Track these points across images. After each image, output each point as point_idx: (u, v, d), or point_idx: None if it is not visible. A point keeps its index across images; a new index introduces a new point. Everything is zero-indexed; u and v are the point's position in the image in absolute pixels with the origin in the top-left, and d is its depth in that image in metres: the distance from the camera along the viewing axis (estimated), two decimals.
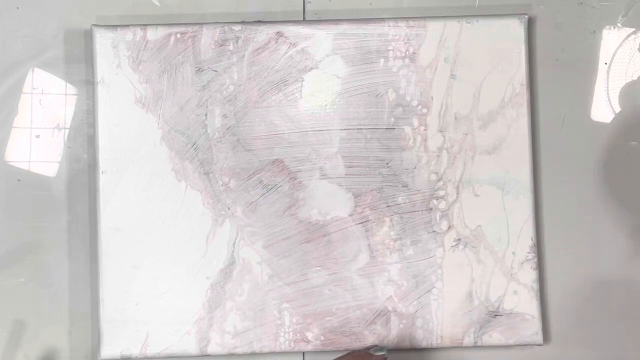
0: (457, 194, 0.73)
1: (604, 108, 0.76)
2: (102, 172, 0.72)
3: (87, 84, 0.75)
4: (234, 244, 0.72)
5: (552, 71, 0.76)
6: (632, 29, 0.77)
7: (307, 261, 0.72)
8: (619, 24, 0.77)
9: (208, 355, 0.72)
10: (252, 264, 0.72)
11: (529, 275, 0.72)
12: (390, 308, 0.72)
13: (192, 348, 0.71)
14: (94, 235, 0.73)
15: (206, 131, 0.72)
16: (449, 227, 0.73)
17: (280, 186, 0.72)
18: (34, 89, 0.75)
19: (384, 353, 0.67)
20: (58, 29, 0.75)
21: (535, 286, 0.72)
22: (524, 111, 0.73)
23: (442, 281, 0.72)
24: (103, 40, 0.72)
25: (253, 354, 0.72)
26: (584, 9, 0.76)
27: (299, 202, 0.72)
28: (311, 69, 0.73)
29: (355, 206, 0.72)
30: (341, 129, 0.73)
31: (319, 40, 0.72)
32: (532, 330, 0.72)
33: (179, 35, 0.72)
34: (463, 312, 0.72)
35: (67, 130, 0.75)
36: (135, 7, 0.75)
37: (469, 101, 0.73)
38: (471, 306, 0.72)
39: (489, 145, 0.73)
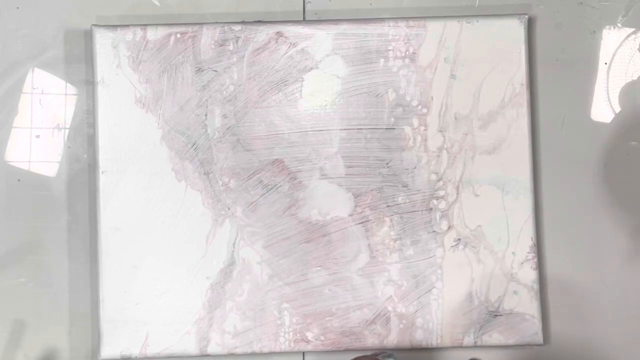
0: (457, 194, 0.73)
1: (604, 108, 0.76)
2: (102, 172, 0.72)
3: (87, 84, 0.75)
4: (234, 244, 0.72)
5: (552, 71, 0.76)
6: (632, 29, 0.77)
7: (307, 261, 0.72)
8: (619, 24, 0.77)
9: (208, 355, 0.72)
10: (252, 264, 0.72)
11: (529, 275, 0.72)
12: (390, 308, 0.72)
13: (192, 348, 0.71)
14: (94, 235, 0.73)
15: (206, 131, 0.72)
16: (449, 227, 0.73)
17: (280, 186, 0.72)
18: (34, 89, 0.75)
19: (391, 359, 0.67)
20: (58, 29, 0.75)
21: (535, 286, 0.72)
22: (524, 111, 0.73)
23: (442, 281, 0.72)
24: (103, 40, 0.72)
25: (253, 354, 0.72)
26: (584, 9, 0.76)
27: (299, 202, 0.72)
28: (311, 69, 0.73)
29: (355, 206, 0.72)
30: (341, 129, 0.73)
31: (319, 40, 0.73)
32: (532, 330, 0.72)
33: (179, 35, 0.72)
34: (463, 312, 0.72)
35: (67, 130, 0.75)
36: (135, 7, 0.75)
37: (469, 101, 0.73)
38: (471, 306, 0.72)
39: (489, 145, 0.73)
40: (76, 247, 0.74)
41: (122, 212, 0.72)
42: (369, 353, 0.70)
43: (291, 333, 0.72)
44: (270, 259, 0.72)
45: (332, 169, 0.73)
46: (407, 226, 0.73)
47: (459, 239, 0.73)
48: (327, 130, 0.73)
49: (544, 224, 0.75)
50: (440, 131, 0.73)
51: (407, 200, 0.73)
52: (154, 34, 0.72)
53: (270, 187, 0.72)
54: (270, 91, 0.73)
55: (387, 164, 0.73)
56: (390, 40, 0.73)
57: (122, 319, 0.71)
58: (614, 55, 0.76)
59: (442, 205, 0.73)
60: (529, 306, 0.72)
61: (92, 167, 0.74)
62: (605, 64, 0.76)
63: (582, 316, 0.75)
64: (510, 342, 0.72)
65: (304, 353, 0.74)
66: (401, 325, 0.72)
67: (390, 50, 0.73)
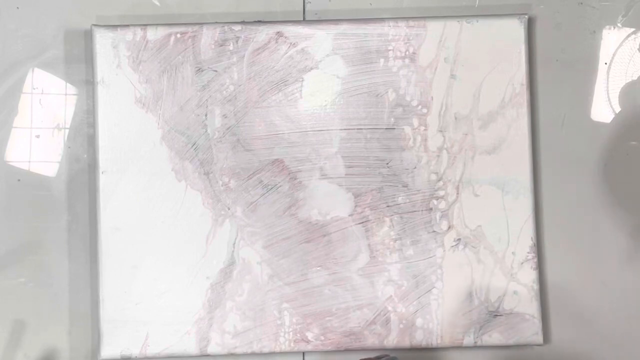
0: (457, 194, 0.73)
1: (604, 108, 0.76)
2: (102, 172, 0.72)
3: (87, 84, 0.75)
4: (234, 244, 0.72)
5: (552, 71, 0.76)
6: (632, 29, 0.77)
7: (307, 261, 0.72)
8: (619, 24, 0.77)
9: (208, 355, 0.72)
10: (252, 264, 0.72)
11: (529, 275, 0.72)
12: (390, 308, 0.72)
13: (192, 348, 0.71)
14: (94, 235, 0.73)
15: (206, 131, 0.72)
16: (449, 227, 0.73)
17: (280, 186, 0.72)
18: (34, 89, 0.75)
19: None
20: (58, 29, 0.75)
21: (535, 286, 0.72)
22: (524, 111, 0.73)
23: (442, 281, 0.72)
24: (103, 40, 0.72)
25: (253, 354, 0.72)
26: (584, 9, 0.76)
27: (299, 202, 0.72)
28: (311, 69, 0.73)
29: (355, 206, 0.72)
30: (341, 129, 0.73)
31: (319, 40, 0.72)
32: (532, 330, 0.72)
33: (179, 35, 0.72)
34: (463, 312, 0.72)
35: (67, 130, 0.75)
36: (135, 7, 0.75)
37: (469, 101, 0.73)
38: (471, 306, 0.72)
39: (489, 145, 0.73)
40: (76, 247, 0.74)
41: (122, 212, 0.72)
42: (372, 356, 0.69)
43: (291, 333, 0.72)
44: (270, 259, 0.72)
45: (332, 169, 0.73)
46: (407, 226, 0.73)
47: (459, 239, 0.73)
48: (327, 130, 0.73)
49: (544, 224, 0.75)
50: (440, 131, 0.73)
51: (407, 200, 0.73)
52: (154, 34, 0.72)
53: (270, 187, 0.72)
54: (270, 91, 0.73)
55: (387, 164, 0.73)
56: (390, 40, 0.73)
57: (122, 319, 0.71)
58: (614, 55, 0.76)
59: (442, 205, 0.73)
60: (529, 306, 0.72)
61: (92, 167, 0.74)
62: (605, 64, 0.76)
63: (582, 316, 0.75)
64: (510, 342, 0.72)
65: (304, 353, 0.74)
66: (401, 325, 0.72)
67: (390, 50, 0.73)
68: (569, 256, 0.75)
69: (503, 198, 0.73)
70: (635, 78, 0.76)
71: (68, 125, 0.75)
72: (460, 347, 0.73)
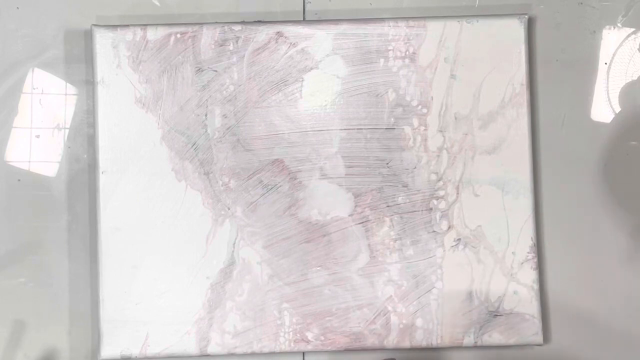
0: (457, 194, 0.73)
1: (604, 108, 0.76)
2: (102, 172, 0.72)
3: (87, 84, 0.75)
4: (234, 244, 0.72)
5: (552, 71, 0.76)
6: (632, 29, 0.77)
7: (307, 261, 0.72)
8: (619, 24, 0.77)
9: (208, 355, 0.72)
10: (252, 264, 0.72)
11: (529, 275, 0.72)
12: (390, 308, 0.72)
13: (192, 348, 0.71)
14: (94, 235, 0.73)
15: (206, 131, 0.72)
16: (449, 227, 0.73)
17: (280, 186, 0.72)
18: (34, 89, 0.75)
19: None
20: (58, 29, 0.75)
21: (535, 286, 0.72)
22: (524, 111, 0.73)
23: (442, 281, 0.72)
24: (103, 40, 0.72)
25: (253, 354, 0.72)
26: (584, 9, 0.76)
27: (299, 202, 0.72)
28: (311, 69, 0.73)
29: (355, 206, 0.72)
30: (341, 129, 0.73)
31: (319, 40, 0.73)
32: (532, 330, 0.72)
33: (179, 35, 0.72)
34: (463, 312, 0.72)
35: (67, 130, 0.75)
36: (135, 7, 0.75)
37: (469, 101, 0.73)
38: (471, 306, 0.72)
39: (489, 145, 0.73)
40: (76, 247, 0.74)
41: (122, 212, 0.72)
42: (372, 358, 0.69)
43: (291, 333, 0.72)
44: (270, 259, 0.72)
45: (332, 169, 0.73)
46: (407, 226, 0.73)
47: (459, 239, 0.73)
48: (327, 130, 0.73)
49: (544, 224, 0.75)
50: (440, 131, 0.73)
51: (407, 200, 0.73)
52: (154, 34, 0.72)
53: (270, 187, 0.72)
54: (270, 91, 0.73)
55: (387, 164, 0.73)
56: (390, 40, 0.73)
57: (122, 319, 0.71)
58: (614, 55, 0.76)
59: (442, 205, 0.73)
60: (529, 306, 0.72)
61: (92, 167, 0.74)
62: (605, 64, 0.76)
63: (582, 316, 0.75)
64: (510, 342, 0.72)
65: (304, 353, 0.74)
66: (401, 325, 0.72)
67: (390, 50, 0.73)
68: (569, 256, 0.75)
69: (503, 198, 0.73)
70: (635, 78, 0.76)
71: (68, 125, 0.75)
72: (460, 347, 0.73)
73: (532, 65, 0.75)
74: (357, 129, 0.73)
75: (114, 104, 0.72)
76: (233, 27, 0.73)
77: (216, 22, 0.73)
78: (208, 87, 0.72)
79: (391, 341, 0.72)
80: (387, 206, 0.73)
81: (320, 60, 0.73)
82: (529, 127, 0.73)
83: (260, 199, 0.72)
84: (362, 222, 0.72)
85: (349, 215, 0.72)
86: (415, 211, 0.73)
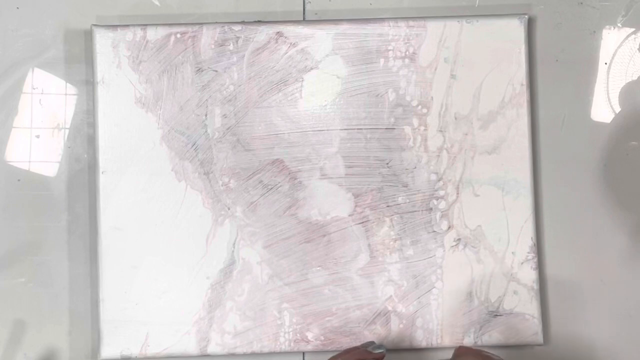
0: (457, 194, 0.73)
1: (604, 108, 0.76)
2: (102, 172, 0.72)
3: (87, 84, 0.75)
4: (234, 244, 0.72)
5: (552, 71, 0.76)
6: (632, 29, 0.77)
7: (307, 261, 0.72)
8: (619, 24, 0.77)
9: (208, 355, 0.72)
10: (252, 264, 0.72)
11: (529, 275, 0.72)
12: (390, 308, 0.72)
13: (192, 348, 0.71)
14: (94, 235, 0.73)
15: (206, 131, 0.72)
16: (449, 227, 0.73)
17: (280, 186, 0.72)
18: (34, 89, 0.75)
19: (382, 350, 0.66)
20: (58, 29, 0.75)
21: (535, 286, 0.72)
22: (524, 111, 0.73)
23: (442, 281, 0.72)
24: (103, 40, 0.72)
25: (253, 354, 0.72)
26: (584, 9, 0.76)
27: (299, 202, 0.72)
28: (311, 69, 0.73)
29: (355, 206, 0.72)
30: (341, 129, 0.73)
31: (319, 40, 0.73)
32: (532, 330, 0.72)
33: (179, 35, 0.72)
34: (463, 312, 0.72)
35: (67, 130, 0.75)
36: (135, 7, 0.75)
37: (469, 101, 0.73)
38: (471, 306, 0.72)
39: (489, 145, 0.73)
40: (76, 247, 0.74)
41: (122, 212, 0.72)
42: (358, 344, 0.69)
43: (291, 333, 0.72)
44: (270, 259, 0.72)
45: (332, 169, 0.73)
46: (407, 226, 0.73)
47: (459, 239, 0.73)
48: (327, 130, 0.73)
49: (544, 224, 0.75)
50: (440, 131, 0.73)
51: (407, 200, 0.73)
52: (154, 34, 0.72)
53: (270, 187, 0.72)
54: (270, 91, 0.73)
55: (387, 164, 0.73)
56: (390, 40, 0.73)
57: (122, 319, 0.71)
58: (614, 55, 0.76)
59: (442, 205, 0.73)
60: (529, 306, 0.72)
61: (92, 167, 0.74)
62: (605, 64, 0.76)
63: (582, 316, 0.75)
64: (510, 342, 0.72)
65: (304, 353, 0.74)
66: (401, 325, 0.72)
67: (390, 50, 0.73)
68: (569, 256, 0.75)
69: (503, 198, 0.73)
70: (635, 78, 0.76)
71: (68, 125, 0.75)
72: None
73: (532, 65, 0.75)
74: (357, 129, 0.73)
75: (114, 104, 0.72)
76: (233, 27, 0.73)
77: (216, 22, 0.73)
78: (208, 87, 0.72)
79: (391, 341, 0.72)
80: (387, 206, 0.73)
81: (320, 60, 0.73)
82: (529, 127, 0.73)
83: (260, 199, 0.72)
84: (362, 222, 0.72)
85: (349, 215, 0.72)
86: (415, 211, 0.73)
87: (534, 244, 0.72)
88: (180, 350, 0.71)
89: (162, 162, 0.72)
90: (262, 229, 0.72)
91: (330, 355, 0.71)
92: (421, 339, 0.72)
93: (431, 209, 0.73)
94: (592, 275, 0.75)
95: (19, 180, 0.74)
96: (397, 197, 0.73)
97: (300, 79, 0.73)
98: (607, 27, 0.77)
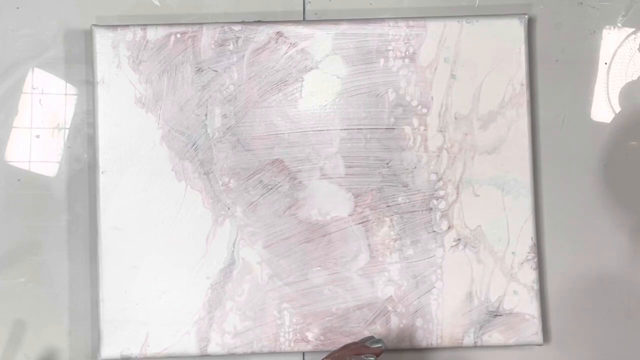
0: (457, 194, 0.73)
1: (604, 108, 0.76)
2: (102, 172, 0.72)
3: (87, 84, 0.75)
4: (234, 244, 0.72)
5: (552, 71, 0.76)
6: (632, 29, 0.77)
7: (307, 261, 0.72)
8: (619, 24, 0.77)
9: (208, 355, 0.72)
10: (252, 264, 0.72)
11: (529, 275, 0.72)
12: (390, 308, 0.72)
13: (192, 348, 0.71)
14: (94, 235, 0.73)
15: (206, 131, 0.72)
16: (449, 227, 0.73)
17: (280, 186, 0.72)
18: (34, 89, 0.75)
19: (380, 345, 0.66)
20: (58, 29, 0.75)
21: (535, 286, 0.72)
22: (524, 111, 0.73)
23: (442, 281, 0.72)
24: (103, 40, 0.72)
25: (253, 354, 0.72)
26: (584, 9, 0.76)
27: (299, 202, 0.72)
28: (311, 69, 0.73)
29: (355, 206, 0.72)
30: (341, 129, 0.73)
31: (319, 40, 0.72)
32: (532, 330, 0.72)
33: (179, 35, 0.72)
34: (463, 312, 0.72)
35: (67, 130, 0.75)
36: (135, 7, 0.75)
37: (469, 101, 0.73)
38: (471, 306, 0.72)
39: (489, 145, 0.73)
40: (76, 247, 0.74)
41: (122, 212, 0.72)
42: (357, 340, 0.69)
43: (291, 333, 0.72)
44: (270, 259, 0.72)
45: (332, 169, 0.73)
46: (407, 226, 0.73)
47: (459, 239, 0.73)
48: (327, 130, 0.73)
49: (544, 224, 0.75)
50: (440, 131, 0.73)
51: (407, 200, 0.73)
52: (154, 34, 0.72)
53: (270, 187, 0.72)
54: (270, 91, 0.73)
55: (387, 164, 0.73)
56: (390, 40, 0.73)
57: (122, 319, 0.71)
58: (614, 55, 0.76)
59: (442, 205, 0.73)
60: (529, 306, 0.72)
61: (92, 167, 0.74)
62: (605, 64, 0.76)
63: (582, 316, 0.75)
64: (510, 342, 0.72)
65: (304, 353, 0.74)
66: (401, 325, 0.72)
67: (390, 50, 0.73)
68: (569, 256, 0.75)
69: (503, 198, 0.73)
70: (635, 78, 0.76)
71: (68, 125, 0.75)
72: (460, 347, 0.73)
73: (532, 65, 0.75)
74: (357, 129, 0.73)
75: (114, 104, 0.72)
76: (233, 27, 0.73)
77: (216, 22, 0.73)
78: (208, 87, 0.72)
79: (391, 341, 0.72)
80: (387, 206, 0.73)
81: (320, 60, 0.73)
82: (529, 127, 0.73)
83: (260, 199, 0.72)
84: (362, 222, 0.72)
85: (349, 215, 0.72)
86: (415, 211, 0.73)
87: (534, 244, 0.72)
88: (180, 350, 0.71)
89: (162, 162, 0.72)
90: (262, 229, 0.72)
91: None
92: (421, 339, 0.72)
93: (431, 209, 0.73)
94: (592, 275, 0.75)
95: (19, 180, 0.74)
96: (397, 197, 0.73)
97: (300, 79, 0.73)
98: (607, 27, 0.76)
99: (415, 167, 0.73)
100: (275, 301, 0.72)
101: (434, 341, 0.72)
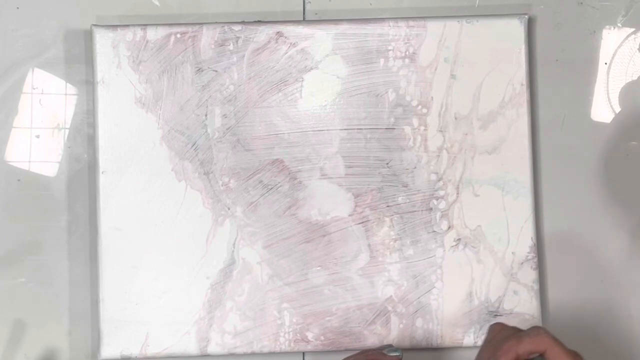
0: (457, 194, 0.73)
1: (604, 108, 0.76)
2: (102, 172, 0.72)
3: (87, 84, 0.75)
4: (234, 244, 0.72)
5: (552, 71, 0.76)
6: (632, 29, 0.77)
7: (307, 261, 0.72)
8: (619, 24, 0.77)
9: (208, 355, 0.72)
10: (252, 264, 0.72)
11: (529, 275, 0.72)
12: (390, 308, 0.72)
13: (192, 348, 0.71)
14: (94, 235, 0.73)
15: (206, 131, 0.72)
16: (449, 227, 0.73)
17: (280, 186, 0.72)
18: (34, 89, 0.75)
19: (398, 354, 0.65)
20: (58, 29, 0.75)
21: (535, 286, 0.72)
22: (524, 111, 0.73)
23: (442, 281, 0.72)
24: (103, 40, 0.72)
25: (253, 354, 0.72)
26: (584, 9, 0.76)
27: (299, 202, 0.72)
28: (311, 69, 0.73)
29: (355, 206, 0.72)
30: (341, 129, 0.73)
31: (319, 40, 0.73)
32: None
33: (179, 35, 0.72)
34: (463, 312, 0.72)
35: (67, 130, 0.75)
36: (135, 7, 0.75)
37: (469, 101, 0.73)
38: (471, 306, 0.72)
39: (489, 145, 0.73)
40: (76, 247, 0.74)
41: (122, 212, 0.72)
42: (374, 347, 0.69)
43: (291, 333, 0.72)
44: (270, 259, 0.72)
45: (332, 169, 0.73)
46: (407, 226, 0.73)
47: (459, 239, 0.73)
48: (327, 130, 0.73)
49: (544, 224, 0.75)
50: (440, 131, 0.73)
51: (407, 200, 0.73)
52: (154, 34, 0.72)
53: (270, 187, 0.72)
54: (270, 91, 0.73)
55: (387, 164, 0.73)
56: (390, 40, 0.73)
57: (122, 319, 0.71)
58: (614, 55, 0.76)
59: (442, 205, 0.73)
60: (529, 306, 0.72)
61: (92, 167, 0.74)
62: (605, 64, 0.76)
63: (582, 317, 0.75)
64: None
65: (304, 353, 0.74)
66: (401, 325, 0.72)
67: (390, 50, 0.73)
68: (569, 256, 0.75)
69: (503, 198, 0.73)
70: (635, 78, 0.76)
71: (68, 125, 0.75)
72: (460, 347, 0.73)
73: (532, 65, 0.75)
74: (357, 129, 0.73)
75: (114, 104, 0.72)
76: (233, 27, 0.73)
77: (216, 22, 0.73)
78: (208, 87, 0.72)
79: (391, 341, 0.72)
80: (387, 206, 0.73)
81: (320, 60, 0.73)
82: (529, 127, 0.73)
83: (260, 199, 0.72)
84: (362, 222, 0.72)
85: (349, 215, 0.72)
86: (415, 211, 0.73)
87: (534, 244, 0.72)
88: (180, 350, 0.71)
89: (162, 162, 0.72)
90: (262, 229, 0.72)
91: (330, 356, 0.71)
92: (421, 339, 0.72)
93: (431, 209, 0.73)
94: (592, 275, 0.75)
95: (19, 180, 0.74)
96: (397, 197, 0.73)
97: (300, 79, 0.73)
98: (607, 27, 0.77)
99: (415, 167, 0.73)
100: (275, 301, 0.72)
101: (434, 341, 0.72)
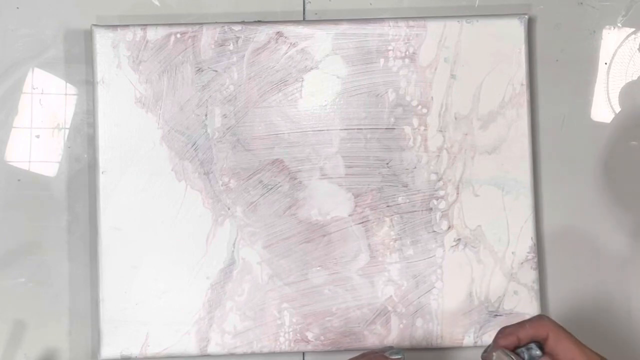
0: (457, 194, 0.73)
1: (604, 108, 0.76)
2: (102, 172, 0.72)
3: (87, 84, 0.75)
4: (234, 244, 0.72)
5: (552, 71, 0.76)
6: (632, 29, 0.77)
7: (307, 261, 0.72)
8: (619, 24, 0.77)
9: (208, 355, 0.72)
10: (252, 264, 0.72)
11: (529, 275, 0.72)
12: (390, 308, 0.72)
13: (192, 348, 0.71)
14: (94, 235, 0.73)
15: (206, 131, 0.72)
16: (449, 227, 0.73)
17: (280, 186, 0.72)
18: (34, 89, 0.75)
19: (400, 356, 0.64)
20: (58, 29, 0.75)
21: (535, 286, 0.72)
22: (524, 111, 0.73)
23: (442, 281, 0.72)
24: (103, 40, 0.72)
25: (253, 354, 0.72)
26: (584, 9, 0.76)
27: (299, 202, 0.72)
28: (311, 69, 0.73)
29: (355, 206, 0.72)
30: (341, 129, 0.73)
31: (319, 40, 0.73)
32: None
33: (179, 35, 0.72)
34: (463, 312, 0.72)
35: (67, 130, 0.75)
36: (135, 7, 0.75)
37: (469, 101, 0.73)
38: (471, 306, 0.72)
39: (489, 145, 0.73)
40: (76, 247, 0.74)
41: (122, 212, 0.72)
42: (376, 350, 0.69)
43: (291, 333, 0.72)
44: (270, 259, 0.72)
45: (332, 169, 0.73)
46: (407, 226, 0.73)
47: (459, 239, 0.73)
48: (327, 130, 0.73)
49: (544, 224, 0.75)
50: (440, 131, 0.73)
51: (407, 200, 0.73)
52: (154, 34, 0.72)
53: (270, 187, 0.72)
54: (270, 91, 0.73)
55: (387, 164, 0.73)
56: (390, 40, 0.73)
57: (122, 319, 0.71)
58: (614, 55, 0.76)
59: (442, 205, 0.73)
60: (529, 306, 0.72)
61: (92, 167, 0.74)
62: (605, 64, 0.76)
63: (582, 317, 0.75)
64: None
65: (304, 353, 0.74)
66: (401, 325, 0.72)
67: (390, 50, 0.73)
68: (569, 256, 0.75)
69: (503, 198, 0.73)
70: (635, 78, 0.76)
71: (68, 125, 0.75)
72: (460, 347, 0.73)
73: (532, 65, 0.75)
74: (357, 129, 0.73)
75: (114, 104, 0.72)
76: (233, 27, 0.73)
77: (216, 22, 0.73)
78: (208, 87, 0.72)
79: (391, 341, 0.72)
80: (387, 206, 0.73)
81: (320, 60, 0.73)
82: (529, 127, 0.73)
83: (260, 199, 0.72)
84: (362, 222, 0.72)
85: (349, 215, 0.72)
86: (415, 211, 0.73)
87: (534, 244, 0.72)
88: (180, 350, 0.71)
89: (162, 162, 0.72)
90: (262, 229, 0.72)
91: (330, 356, 0.71)
92: (421, 339, 0.72)
93: (431, 209, 0.73)
94: (592, 275, 0.75)
95: (19, 180, 0.74)
96: (397, 197, 0.73)
97: (300, 79, 0.73)
98: (607, 27, 0.77)
99: (415, 167, 0.73)
100: (275, 301, 0.72)
101: (434, 341, 0.72)
